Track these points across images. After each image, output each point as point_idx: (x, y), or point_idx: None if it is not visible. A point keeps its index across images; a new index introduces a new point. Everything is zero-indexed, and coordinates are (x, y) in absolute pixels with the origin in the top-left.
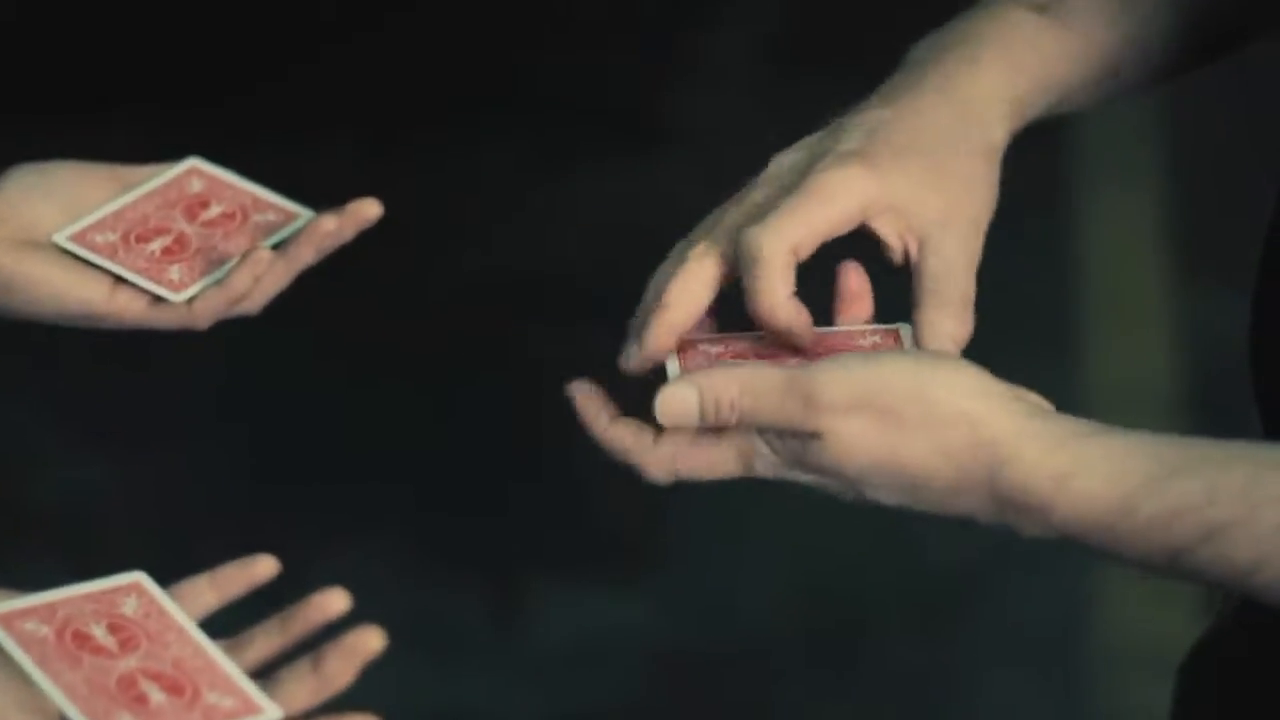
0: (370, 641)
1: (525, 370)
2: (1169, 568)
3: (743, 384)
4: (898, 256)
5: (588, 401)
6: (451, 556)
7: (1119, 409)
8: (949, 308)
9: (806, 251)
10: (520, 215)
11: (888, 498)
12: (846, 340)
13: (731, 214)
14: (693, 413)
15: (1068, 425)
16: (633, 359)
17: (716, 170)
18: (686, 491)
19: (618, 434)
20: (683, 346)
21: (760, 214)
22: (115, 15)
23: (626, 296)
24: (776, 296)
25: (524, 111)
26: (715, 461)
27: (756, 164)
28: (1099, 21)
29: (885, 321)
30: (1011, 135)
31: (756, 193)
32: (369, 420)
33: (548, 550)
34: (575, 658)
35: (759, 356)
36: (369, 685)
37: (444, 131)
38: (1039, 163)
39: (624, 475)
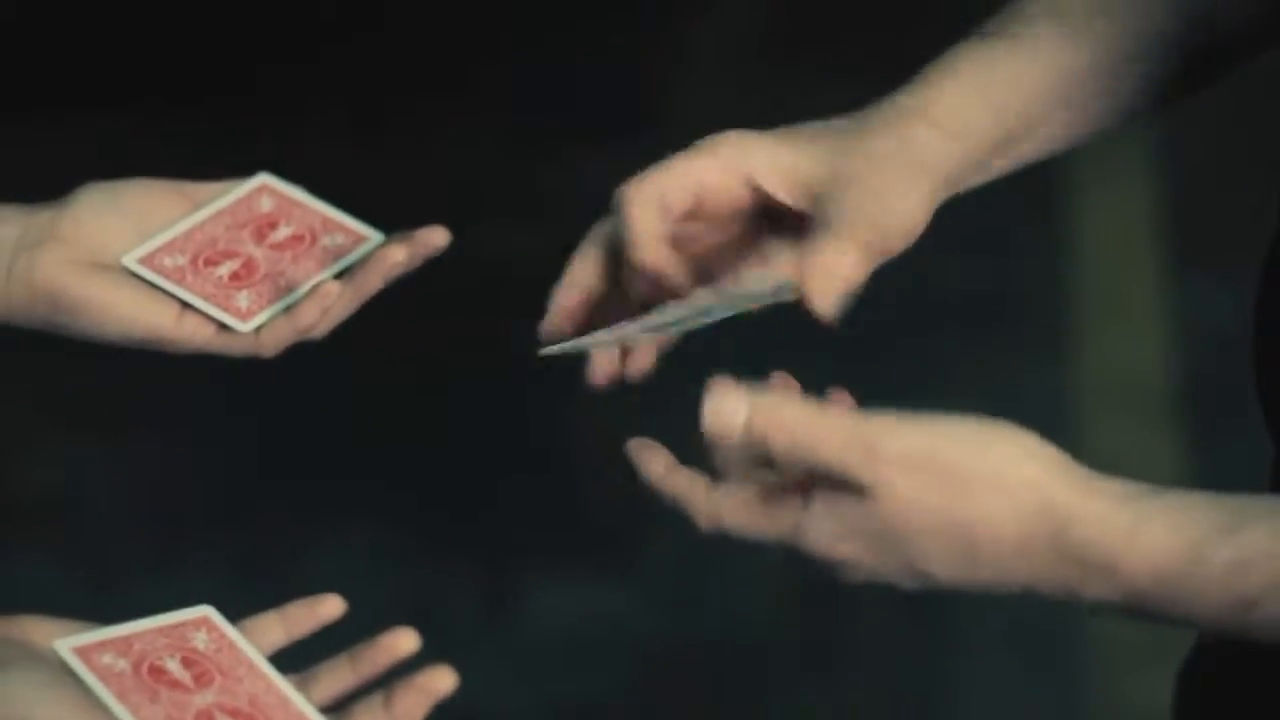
0: (442, 681)
1: (515, 364)
2: (1241, 621)
3: (805, 419)
4: (796, 219)
5: (644, 450)
6: (442, 548)
7: (1113, 401)
8: (843, 243)
9: (678, 201)
10: (512, 209)
11: (943, 568)
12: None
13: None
14: (738, 425)
15: (1129, 485)
16: (542, 338)
17: None
18: None
19: (673, 481)
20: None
21: None
22: (116, 13)
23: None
24: (642, 239)
25: (518, 105)
26: (765, 524)
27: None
28: (1051, 43)
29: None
30: (949, 145)
31: None
32: (357, 413)
33: (538, 542)
34: (566, 649)
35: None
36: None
37: (439, 125)
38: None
39: (614, 468)
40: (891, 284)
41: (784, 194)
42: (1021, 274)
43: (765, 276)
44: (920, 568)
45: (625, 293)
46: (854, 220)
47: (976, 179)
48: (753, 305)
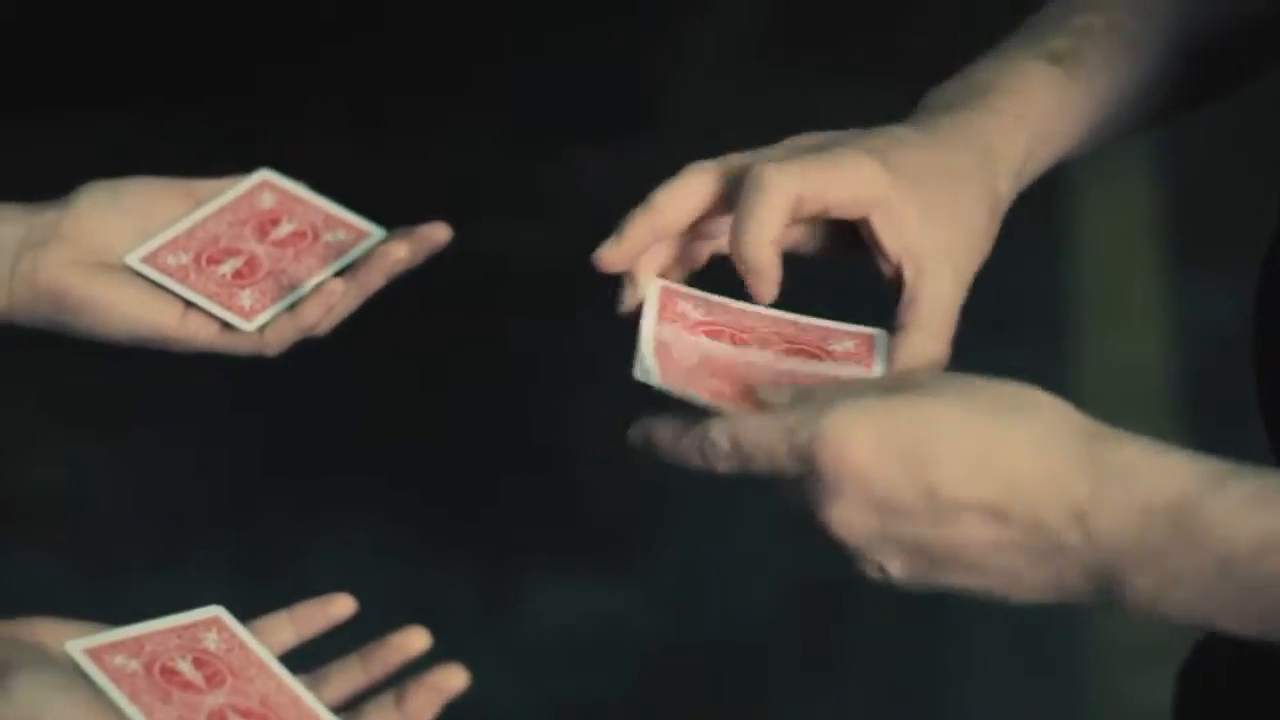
0: (453, 680)
1: (516, 361)
2: (1249, 570)
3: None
4: (889, 270)
5: (647, 430)
6: (443, 546)
7: (1113, 399)
8: (935, 336)
9: (808, 209)
10: (512, 208)
11: (953, 474)
12: (819, 337)
13: (743, 154)
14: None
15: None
16: (608, 251)
17: (707, 157)
18: (677, 482)
19: (686, 438)
20: (666, 296)
21: (774, 159)
22: (116, 13)
23: (615, 288)
24: (763, 231)
25: (518, 105)
26: (783, 432)
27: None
28: (1107, 73)
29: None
30: (1015, 193)
31: (771, 149)
32: (358, 411)
33: (539, 541)
34: (566, 648)
35: (734, 333)
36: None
37: (439, 124)
38: None
39: (614, 467)
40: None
41: (892, 252)
42: (1022, 274)
43: (851, 335)
44: (930, 476)
45: (696, 248)
46: (940, 305)
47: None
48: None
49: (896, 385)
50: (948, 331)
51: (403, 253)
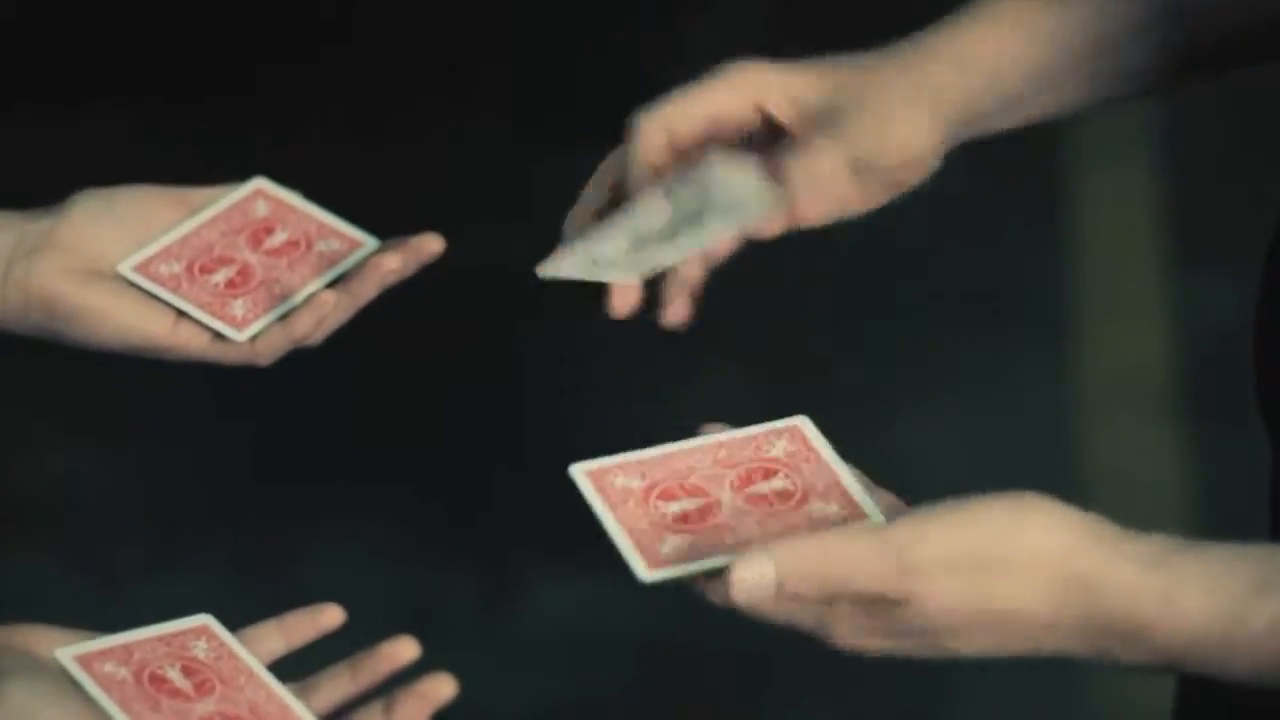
0: (442, 688)
1: (514, 364)
2: None
3: (830, 556)
4: (790, 131)
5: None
6: (441, 543)
7: (1114, 396)
8: (827, 146)
9: (686, 132)
10: (511, 209)
11: (971, 647)
12: (754, 450)
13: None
14: (769, 588)
15: (1161, 543)
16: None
17: None
18: None
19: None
20: (597, 481)
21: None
22: (115, 12)
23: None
24: (641, 169)
25: (518, 105)
26: (791, 612)
27: None
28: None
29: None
30: (964, 108)
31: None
32: (357, 410)
33: (537, 537)
34: (564, 644)
35: (681, 484)
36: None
37: (438, 125)
38: (1033, 146)
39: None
40: (892, 280)
41: (791, 119)
42: (1022, 269)
43: (747, 176)
44: (950, 649)
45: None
46: (845, 134)
47: (1001, 121)
48: (736, 213)
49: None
50: (839, 144)
51: (395, 264)
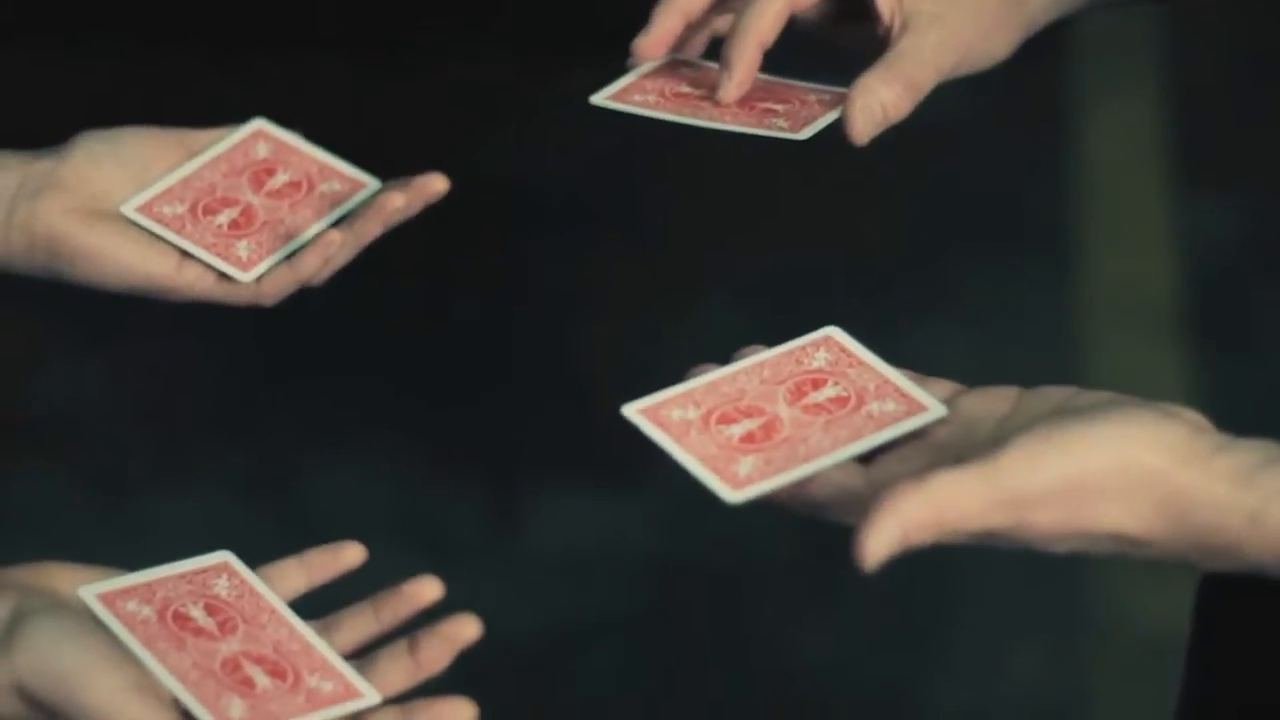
0: (467, 629)
1: (522, 278)
2: None
3: (940, 502)
4: (882, 28)
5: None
6: (447, 463)
7: (1118, 317)
8: (896, 82)
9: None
10: (512, 127)
11: (1060, 549)
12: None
13: None
14: (895, 548)
15: (1255, 455)
16: (642, 42)
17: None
18: None
19: None
20: (653, 416)
21: None
22: None
23: (619, 206)
24: (750, 36)
25: (517, 25)
26: None
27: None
28: None
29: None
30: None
31: None
32: (366, 327)
33: (543, 459)
34: (569, 566)
35: (737, 406)
36: (361, 589)
37: (436, 43)
38: (1038, 73)
39: (621, 385)
40: (898, 204)
41: (884, 10)
42: (1027, 192)
43: (822, 91)
44: (1039, 551)
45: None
46: (916, 57)
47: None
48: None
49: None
50: (912, 79)
51: (399, 202)
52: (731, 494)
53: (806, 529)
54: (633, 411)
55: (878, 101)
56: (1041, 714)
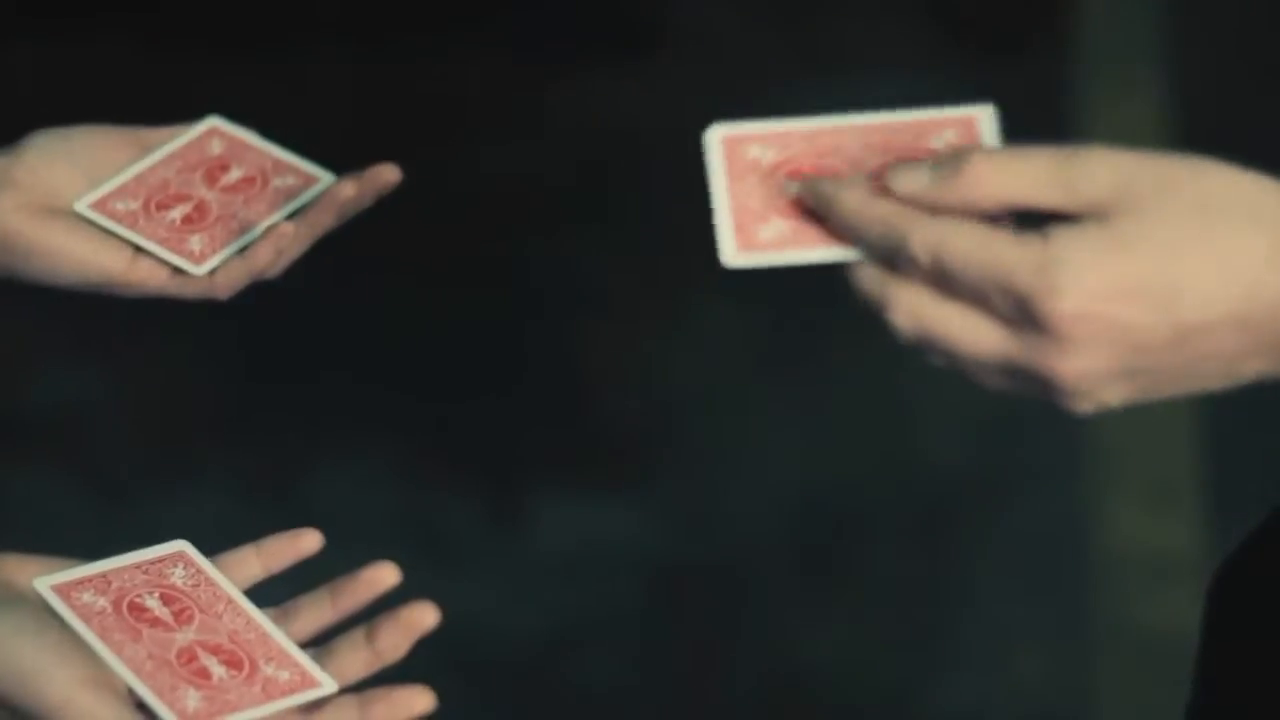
0: (425, 617)
1: (522, 278)
2: None
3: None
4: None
5: (828, 185)
6: (448, 463)
7: None
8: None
9: None
10: (511, 124)
11: (1196, 285)
12: (913, 135)
13: None
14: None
15: None
16: None
17: (708, 78)
18: (683, 399)
19: (873, 211)
20: (731, 147)
21: None
22: None
23: (618, 203)
24: None
25: (516, 20)
26: (1003, 266)
27: (748, 72)
28: None
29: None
30: None
31: None
32: (366, 325)
33: (544, 457)
34: (570, 566)
35: (815, 160)
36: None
37: (433, 40)
38: (1039, 77)
39: (622, 385)
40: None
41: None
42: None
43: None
44: (1177, 306)
45: None
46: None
47: None
48: None
49: (1106, 209)
50: None
51: (350, 191)
52: (731, 256)
53: (807, 531)
54: (716, 136)
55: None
56: (1045, 717)
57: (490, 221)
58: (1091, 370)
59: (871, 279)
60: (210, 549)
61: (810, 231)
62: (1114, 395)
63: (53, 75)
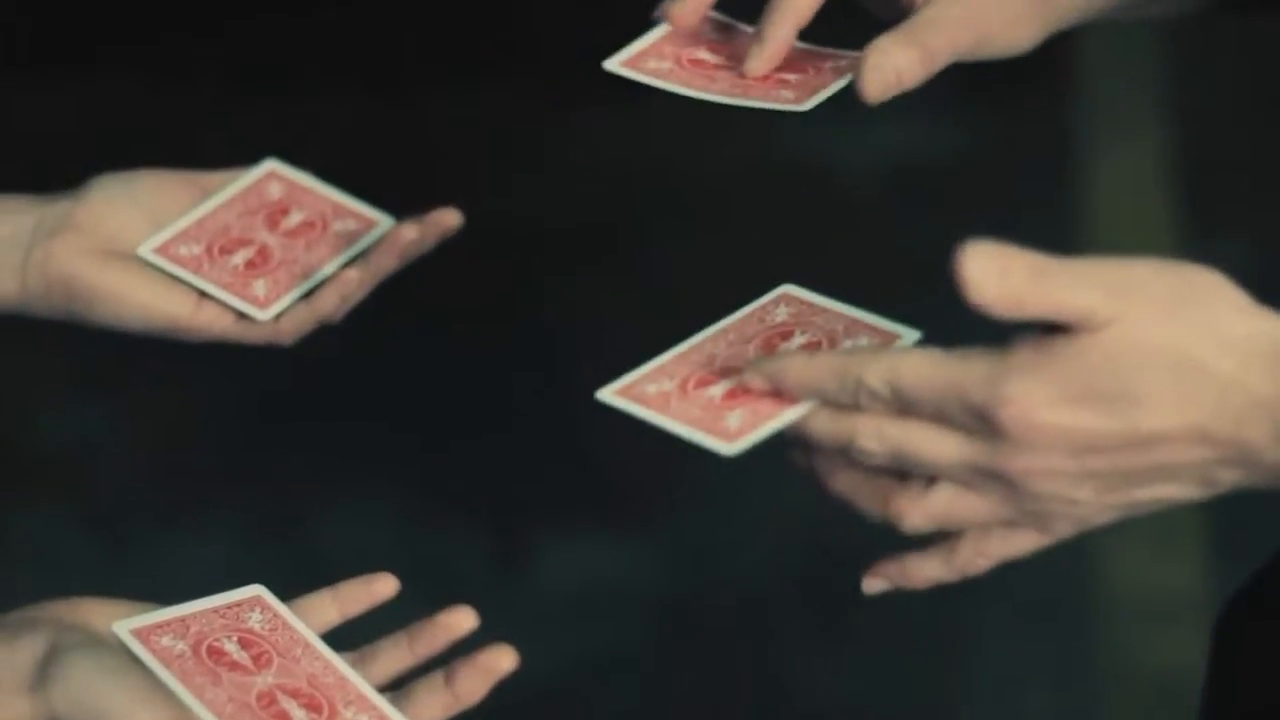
0: (503, 660)
1: (529, 317)
2: None
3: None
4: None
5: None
6: (454, 503)
7: None
8: (912, 46)
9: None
10: (519, 163)
11: (1159, 400)
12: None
13: None
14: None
15: None
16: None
17: (713, 118)
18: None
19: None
20: (628, 391)
21: None
22: None
23: (625, 242)
24: (788, 17)
25: (523, 59)
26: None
27: (745, 115)
28: None
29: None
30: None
31: None
32: (372, 364)
33: (549, 498)
34: (575, 606)
35: (712, 373)
36: (369, 629)
37: (446, 79)
38: (1041, 112)
39: (626, 426)
40: (896, 240)
41: None
42: (1030, 230)
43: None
44: (1132, 413)
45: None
46: (935, 25)
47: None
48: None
49: (1078, 323)
50: (927, 54)
51: (413, 234)
52: (728, 447)
53: (813, 570)
54: (609, 395)
55: (891, 64)
56: None
57: (492, 261)
58: (1047, 468)
59: (825, 421)
60: (215, 588)
61: (764, 407)
62: (1084, 498)
63: (55, 115)
